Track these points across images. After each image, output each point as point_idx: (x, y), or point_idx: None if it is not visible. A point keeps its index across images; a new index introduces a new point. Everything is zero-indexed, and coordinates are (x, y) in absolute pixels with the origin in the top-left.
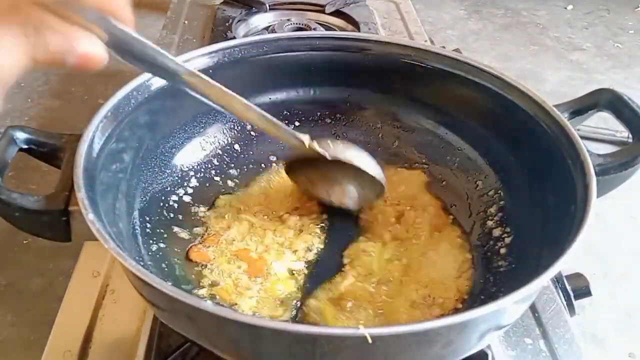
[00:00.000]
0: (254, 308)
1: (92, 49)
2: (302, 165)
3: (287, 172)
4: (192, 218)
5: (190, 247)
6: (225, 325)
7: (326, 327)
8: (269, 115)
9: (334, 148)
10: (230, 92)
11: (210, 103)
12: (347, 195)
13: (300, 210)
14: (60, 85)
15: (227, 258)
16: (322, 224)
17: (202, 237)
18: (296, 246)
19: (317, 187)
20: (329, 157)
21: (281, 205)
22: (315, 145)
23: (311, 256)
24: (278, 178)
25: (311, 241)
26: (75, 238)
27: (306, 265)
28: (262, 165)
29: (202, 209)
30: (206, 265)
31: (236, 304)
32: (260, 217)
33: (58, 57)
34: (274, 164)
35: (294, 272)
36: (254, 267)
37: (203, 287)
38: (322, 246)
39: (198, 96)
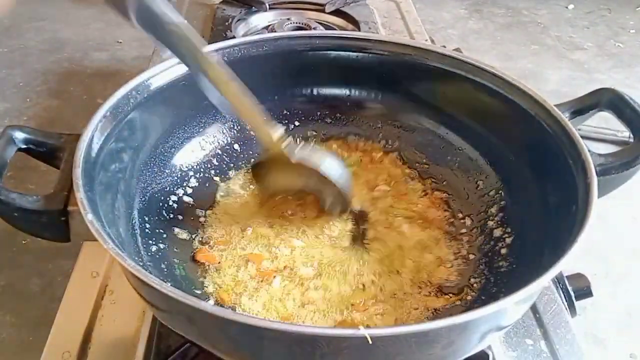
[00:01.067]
0: (260, 312)
1: None
2: (268, 169)
3: (254, 176)
4: (192, 218)
5: (198, 248)
6: (224, 326)
7: (326, 328)
8: (246, 94)
9: (301, 151)
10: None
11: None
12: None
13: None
14: (58, 85)
15: (234, 261)
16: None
17: (208, 238)
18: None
19: (281, 191)
20: (293, 160)
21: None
22: (283, 143)
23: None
24: None
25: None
26: (74, 238)
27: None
28: None
29: (202, 209)
30: (212, 267)
31: (241, 307)
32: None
33: None
34: None
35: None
36: (262, 271)
37: (207, 288)
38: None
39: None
